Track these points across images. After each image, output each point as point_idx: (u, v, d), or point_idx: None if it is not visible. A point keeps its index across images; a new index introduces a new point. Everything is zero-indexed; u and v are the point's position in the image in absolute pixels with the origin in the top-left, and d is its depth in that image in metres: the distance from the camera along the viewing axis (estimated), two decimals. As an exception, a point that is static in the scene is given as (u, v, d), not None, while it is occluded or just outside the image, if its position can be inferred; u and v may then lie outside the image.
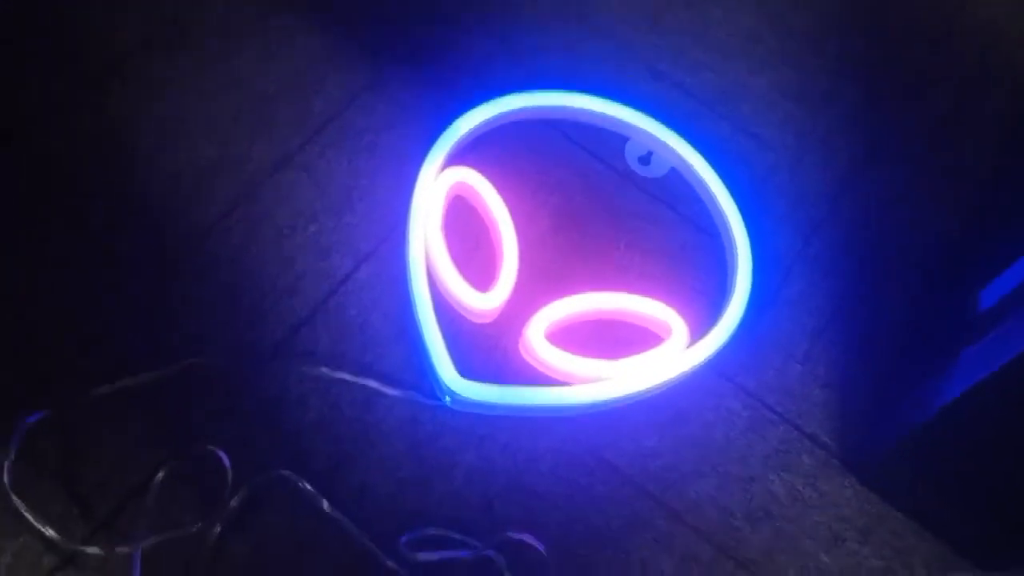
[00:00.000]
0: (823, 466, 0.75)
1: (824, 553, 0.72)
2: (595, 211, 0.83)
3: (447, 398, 0.72)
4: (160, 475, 0.66)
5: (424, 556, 0.67)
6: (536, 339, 0.74)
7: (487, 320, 0.77)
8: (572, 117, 0.86)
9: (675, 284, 0.80)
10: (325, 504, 0.67)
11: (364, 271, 0.77)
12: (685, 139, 0.85)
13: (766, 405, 0.76)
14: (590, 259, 0.81)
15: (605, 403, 0.73)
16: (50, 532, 0.64)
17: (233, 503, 0.66)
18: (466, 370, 0.73)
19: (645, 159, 0.86)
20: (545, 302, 0.76)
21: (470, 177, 0.80)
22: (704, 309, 0.80)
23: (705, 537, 0.71)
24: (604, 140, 0.86)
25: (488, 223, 0.80)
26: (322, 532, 0.67)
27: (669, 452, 0.74)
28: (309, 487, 0.67)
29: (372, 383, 0.72)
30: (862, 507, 0.73)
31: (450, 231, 0.78)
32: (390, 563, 0.66)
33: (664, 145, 0.85)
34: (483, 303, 0.76)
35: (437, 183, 0.79)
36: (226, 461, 0.68)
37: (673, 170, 0.86)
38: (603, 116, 0.86)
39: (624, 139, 0.86)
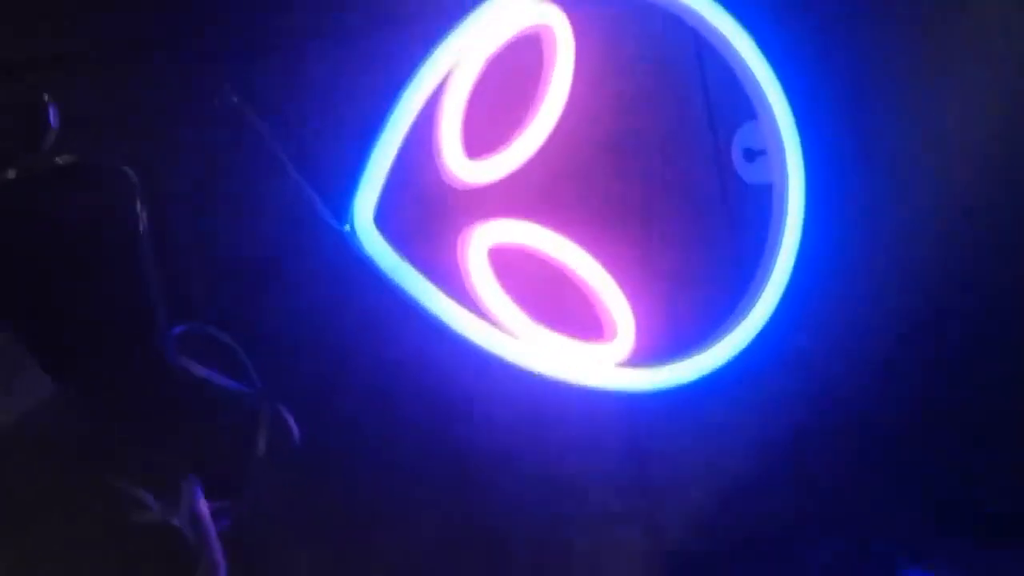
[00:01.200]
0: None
1: None
2: (660, 163, 0.67)
3: (347, 226, 0.59)
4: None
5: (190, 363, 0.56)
6: (474, 246, 0.61)
7: (457, 186, 0.63)
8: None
9: (670, 297, 0.66)
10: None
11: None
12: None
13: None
14: (610, 208, 0.66)
15: (487, 357, 0.61)
16: None
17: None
18: (390, 221, 0.60)
19: (751, 155, 0.69)
20: (517, 214, 0.62)
21: (558, 24, 0.62)
22: (672, 342, 0.66)
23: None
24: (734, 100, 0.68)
25: (539, 85, 0.64)
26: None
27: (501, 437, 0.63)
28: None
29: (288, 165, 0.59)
30: None
31: (494, 67, 0.62)
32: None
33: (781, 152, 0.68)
34: (460, 168, 0.61)
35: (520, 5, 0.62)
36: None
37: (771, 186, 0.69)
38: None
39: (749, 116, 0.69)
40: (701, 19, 0.66)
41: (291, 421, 0.55)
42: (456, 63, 0.61)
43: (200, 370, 0.53)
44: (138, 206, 0.55)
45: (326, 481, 0.59)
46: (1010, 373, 0.72)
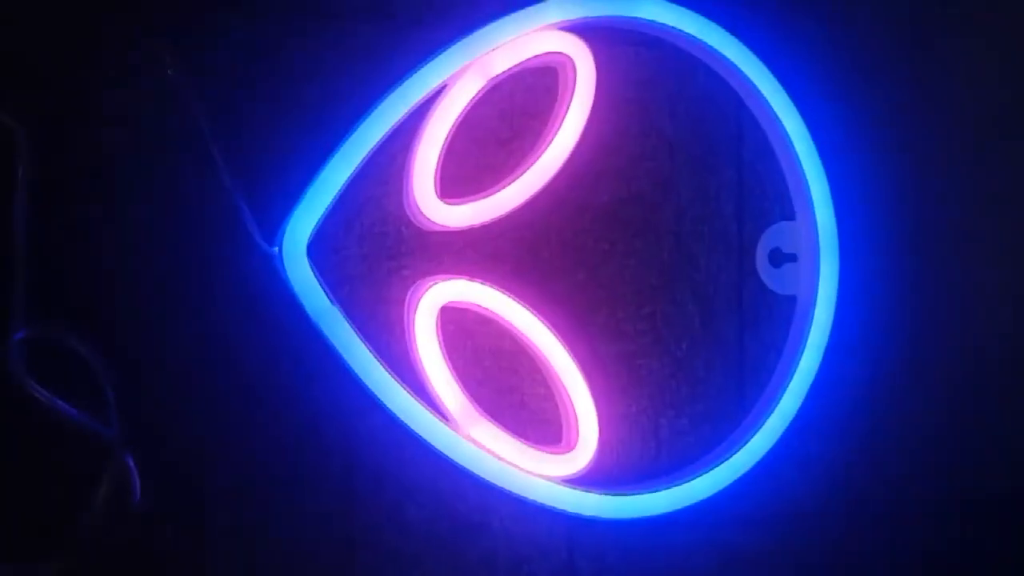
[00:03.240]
0: None
1: None
2: (670, 246, 0.58)
3: (276, 247, 0.49)
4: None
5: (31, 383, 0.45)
6: (425, 305, 0.51)
7: (421, 225, 0.53)
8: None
9: (646, 410, 0.57)
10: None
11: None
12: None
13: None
14: (598, 289, 0.57)
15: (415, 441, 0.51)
16: None
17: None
18: (328, 252, 0.50)
19: (779, 258, 0.59)
20: (482, 275, 0.53)
21: (581, 59, 0.54)
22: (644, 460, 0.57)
23: None
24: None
25: (544, 128, 0.55)
26: None
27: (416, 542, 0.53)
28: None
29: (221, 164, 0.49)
30: None
31: (492, 94, 0.54)
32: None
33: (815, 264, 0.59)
34: (429, 206, 0.52)
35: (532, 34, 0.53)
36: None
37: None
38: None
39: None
40: (750, 86, 0.58)
41: (136, 479, 0.44)
42: (453, 79, 0.52)
43: (42, 393, 0.43)
44: (20, 172, 0.45)
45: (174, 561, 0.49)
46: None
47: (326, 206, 0.50)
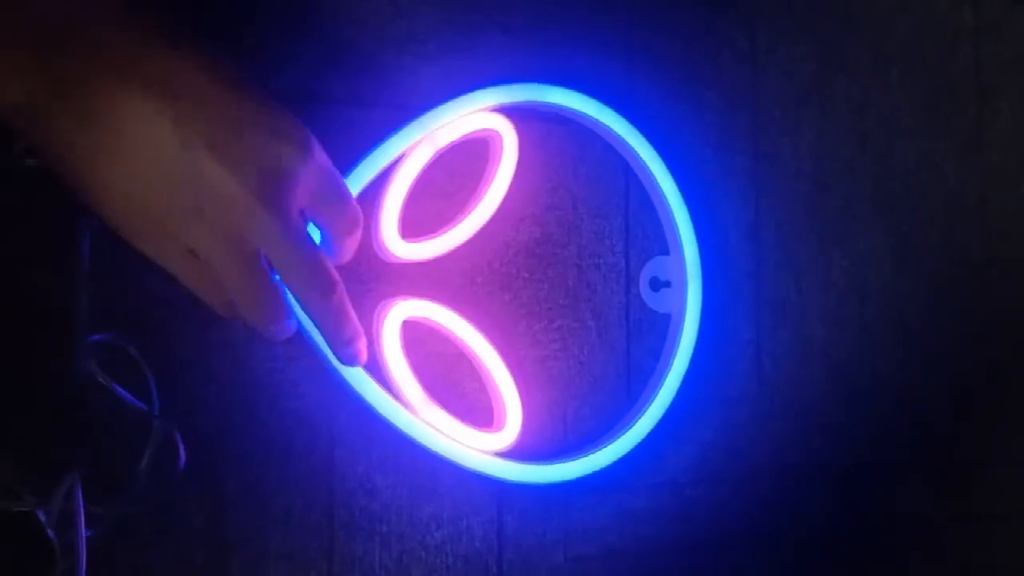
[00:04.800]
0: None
1: None
2: (574, 275, 0.72)
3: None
4: None
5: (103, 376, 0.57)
6: (392, 316, 0.64)
7: (386, 259, 0.66)
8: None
9: (559, 399, 0.71)
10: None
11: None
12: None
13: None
14: (520, 306, 0.70)
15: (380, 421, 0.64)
16: None
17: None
18: None
19: (657, 284, 0.75)
20: (435, 297, 0.66)
21: (507, 133, 0.67)
22: (555, 442, 0.70)
23: None
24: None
25: (479, 185, 0.68)
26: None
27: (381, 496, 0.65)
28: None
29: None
30: None
31: (440, 160, 0.67)
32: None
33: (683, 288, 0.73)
34: (394, 244, 0.65)
35: (470, 115, 0.66)
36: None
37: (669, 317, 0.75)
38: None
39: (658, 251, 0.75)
40: (635, 154, 0.72)
41: (181, 446, 0.57)
42: (409, 149, 0.64)
43: (105, 379, 0.55)
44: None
45: (200, 510, 0.60)
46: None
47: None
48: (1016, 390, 0.89)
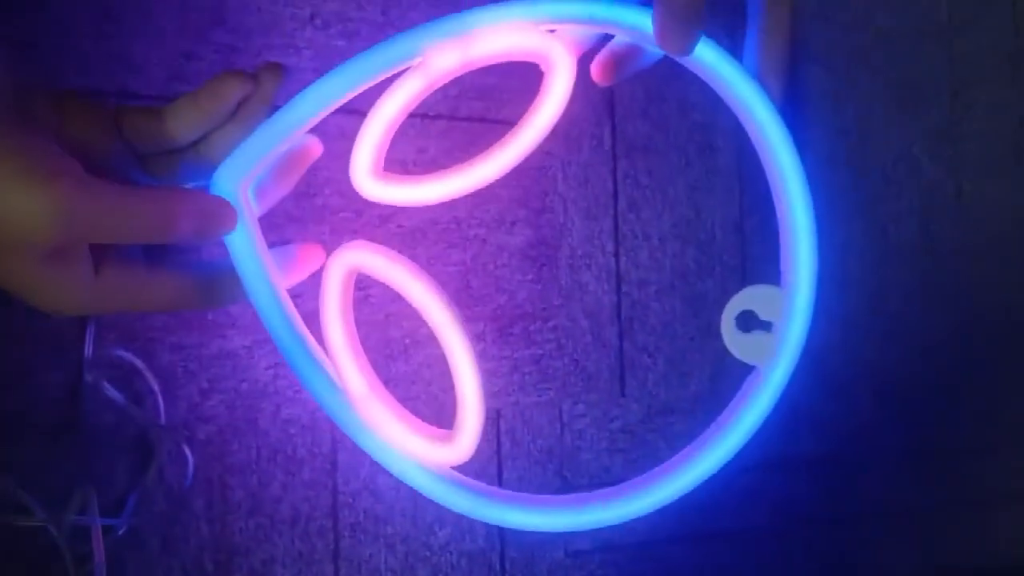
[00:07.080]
0: None
1: None
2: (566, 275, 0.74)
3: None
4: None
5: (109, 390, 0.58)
6: (338, 263, 0.51)
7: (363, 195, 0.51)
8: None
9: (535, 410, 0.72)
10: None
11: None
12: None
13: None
14: (515, 308, 0.71)
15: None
16: None
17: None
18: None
19: (747, 323, 0.53)
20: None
21: (557, 56, 0.49)
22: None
23: None
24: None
25: (504, 130, 0.52)
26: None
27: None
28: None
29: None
30: None
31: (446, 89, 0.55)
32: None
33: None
34: (365, 180, 0.50)
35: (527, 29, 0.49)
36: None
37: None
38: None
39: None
40: (757, 127, 0.52)
41: (189, 456, 0.58)
42: (422, 59, 0.48)
43: (114, 394, 0.56)
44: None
45: (207, 518, 0.61)
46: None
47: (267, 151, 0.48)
48: (997, 379, 0.91)
